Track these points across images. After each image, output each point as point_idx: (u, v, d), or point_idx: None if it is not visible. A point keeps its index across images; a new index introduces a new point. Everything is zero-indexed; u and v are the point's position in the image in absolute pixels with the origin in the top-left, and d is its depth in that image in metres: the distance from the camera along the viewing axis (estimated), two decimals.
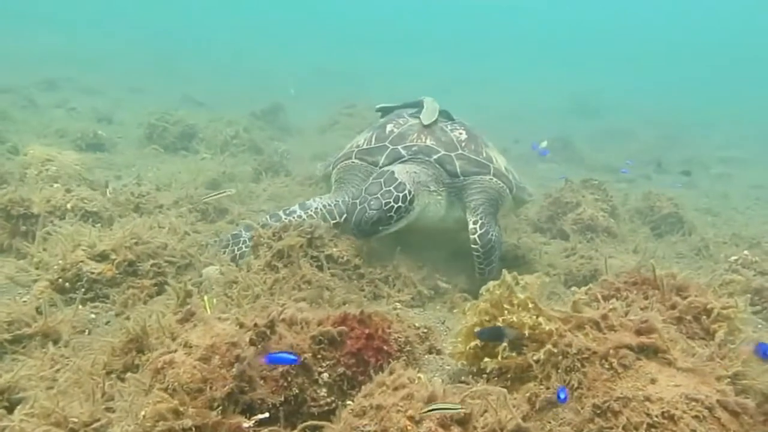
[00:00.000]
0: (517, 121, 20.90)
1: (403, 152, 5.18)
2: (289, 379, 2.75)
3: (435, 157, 5.10)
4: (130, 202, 5.45)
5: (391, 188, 4.66)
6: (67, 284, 3.90)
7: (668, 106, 28.14)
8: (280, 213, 5.12)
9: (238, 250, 4.92)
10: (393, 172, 4.81)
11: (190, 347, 2.69)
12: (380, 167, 5.11)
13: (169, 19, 40.90)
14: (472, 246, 4.94)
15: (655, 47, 49.11)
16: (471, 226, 4.98)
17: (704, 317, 3.19)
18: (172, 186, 7.32)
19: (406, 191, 4.69)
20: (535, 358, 2.87)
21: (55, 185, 5.36)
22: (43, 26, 31.17)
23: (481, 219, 4.98)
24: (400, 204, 4.63)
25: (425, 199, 4.96)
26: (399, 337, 3.19)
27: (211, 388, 2.58)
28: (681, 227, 7.83)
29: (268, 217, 5.18)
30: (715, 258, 6.66)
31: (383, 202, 4.58)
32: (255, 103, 13.91)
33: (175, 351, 2.69)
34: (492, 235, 4.94)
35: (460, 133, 5.38)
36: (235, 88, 20.86)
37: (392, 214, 4.62)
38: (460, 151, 5.22)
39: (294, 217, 5.01)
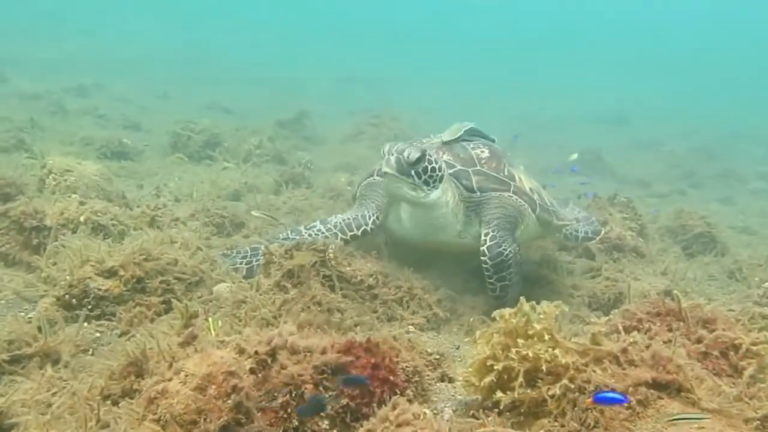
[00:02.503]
0: (547, 131, 20.62)
1: None
2: (289, 410, 2.63)
3: (450, 171, 5.00)
4: (145, 215, 5.38)
5: (434, 155, 4.77)
6: (73, 301, 3.82)
7: (704, 115, 27.50)
8: (301, 228, 5.18)
9: (256, 261, 4.85)
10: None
11: (186, 376, 2.60)
12: None
13: (197, 28, 41.38)
14: (481, 258, 4.79)
15: (692, 53, 48.21)
16: (482, 238, 4.85)
17: (732, 353, 3.00)
18: (192, 196, 7.26)
19: (443, 163, 4.83)
20: (550, 393, 2.71)
21: (73, 196, 5.33)
22: (75, 33, 31.76)
23: (492, 231, 4.84)
24: (436, 167, 4.67)
25: (446, 196, 4.85)
26: (407, 367, 3.05)
27: (205, 420, 2.48)
28: (714, 247, 7.55)
29: (289, 231, 5.22)
30: (748, 282, 6.39)
31: (428, 151, 4.68)
32: (281, 111, 13.88)
33: (170, 380, 2.59)
34: (504, 248, 4.77)
35: (482, 152, 5.27)
36: (262, 96, 20.96)
37: (428, 166, 4.61)
38: (478, 168, 5.11)
39: (314, 232, 5.04)
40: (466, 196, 4.98)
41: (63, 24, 34.24)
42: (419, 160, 4.55)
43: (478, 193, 4.99)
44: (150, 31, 36.40)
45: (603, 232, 6.33)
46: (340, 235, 5.00)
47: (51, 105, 13.96)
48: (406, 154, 4.53)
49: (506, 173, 5.19)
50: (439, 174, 4.68)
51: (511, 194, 5.07)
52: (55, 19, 34.89)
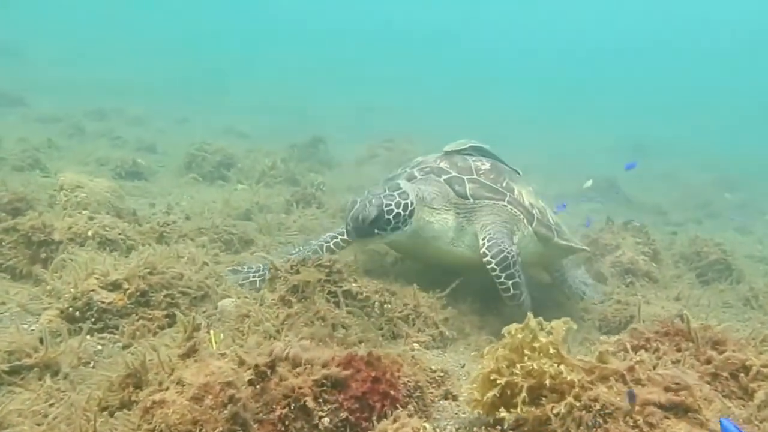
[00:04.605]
0: (565, 159, 20.55)
1: (416, 173, 5.21)
2: (287, 423, 2.58)
3: (444, 177, 5.03)
4: (154, 231, 5.38)
5: (395, 193, 4.65)
6: (77, 313, 3.80)
7: (730, 148, 27.27)
8: (313, 241, 5.28)
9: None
10: (399, 183, 4.82)
11: (183, 385, 2.56)
12: None
13: (217, 54, 41.92)
14: (484, 260, 4.73)
15: (721, 86, 47.97)
16: (480, 243, 4.81)
17: (742, 375, 2.91)
18: (203, 215, 7.28)
19: (408, 201, 4.65)
20: (554, 411, 2.64)
21: (84, 212, 5.34)
22: (96, 58, 32.31)
23: (489, 234, 4.82)
24: (400, 211, 4.59)
25: (426, 216, 4.85)
26: (409, 382, 3.00)
27: (201, 430, 2.43)
28: (729, 275, 7.43)
29: (300, 247, 5.41)
30: (764, 309, 6.28)
31: (384, 202, 4.55)
32: (297, 137, 13.96)
33: (166, 389, 2.56)
34: (504, 246, 4.71)
35: (482, 164, 5.27)
36: (278, 124, 21.10)
37: (390, 218, 4.56)
38: (474, 176, 5.12)
39: (322, 240, 5.17)
40: (458, 202, 4.96)
41: (85, 50, 34.88)
42: (377, 218, 4.52)
43: (471, 200, 4.97)
44: (170, 57, 36.96)
45: (603, 300, 6.06)
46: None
47: (69, 127, 14.12)
48: (360, 218, 4.49)
49: (504, 185, 5.16)
50: (405, 213, 4.61)
51: (505, 203, 5.03)
52: (77, 45, 35.57)
